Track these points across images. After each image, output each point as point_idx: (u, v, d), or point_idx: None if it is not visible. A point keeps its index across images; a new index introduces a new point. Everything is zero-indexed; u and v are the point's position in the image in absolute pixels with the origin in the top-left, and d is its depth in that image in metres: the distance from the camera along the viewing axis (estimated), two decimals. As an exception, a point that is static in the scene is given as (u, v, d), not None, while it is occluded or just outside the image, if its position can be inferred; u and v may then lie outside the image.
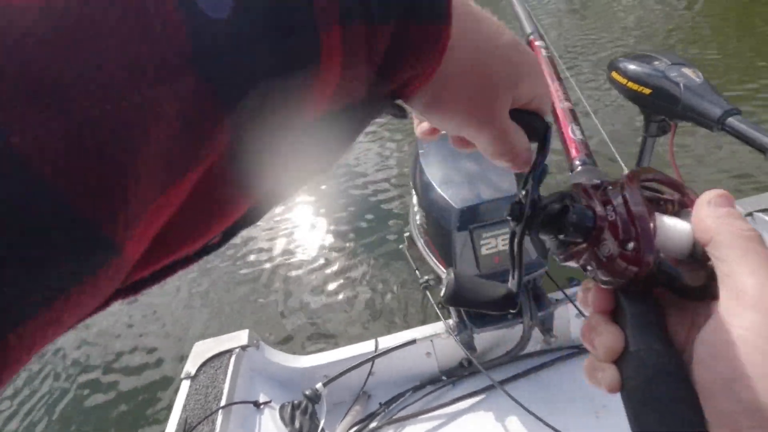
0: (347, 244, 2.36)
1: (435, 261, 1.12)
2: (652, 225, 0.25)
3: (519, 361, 1.15)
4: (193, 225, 0.16)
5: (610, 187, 0.28)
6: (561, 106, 0.49)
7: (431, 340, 1.13)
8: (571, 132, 0.46)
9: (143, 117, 0.12)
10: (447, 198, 1.01)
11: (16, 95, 0.10)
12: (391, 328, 1.23)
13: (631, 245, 0.25)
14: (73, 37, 0.11)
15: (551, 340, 1.10)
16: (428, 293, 1.23)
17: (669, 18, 3.97)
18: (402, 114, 0.23)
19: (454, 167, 1.11)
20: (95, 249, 0.12)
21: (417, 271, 1.40)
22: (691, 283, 0.25)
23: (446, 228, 0.97)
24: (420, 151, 1.19)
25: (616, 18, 4.30)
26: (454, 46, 0.20)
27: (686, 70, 0.76)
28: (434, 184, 1.07)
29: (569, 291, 1.08)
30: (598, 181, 0.29)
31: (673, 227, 0.26)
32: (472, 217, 0.96)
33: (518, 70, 0.24)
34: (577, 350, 1.13)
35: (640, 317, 0.25)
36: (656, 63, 0.79)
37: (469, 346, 1.12)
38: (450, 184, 1.06)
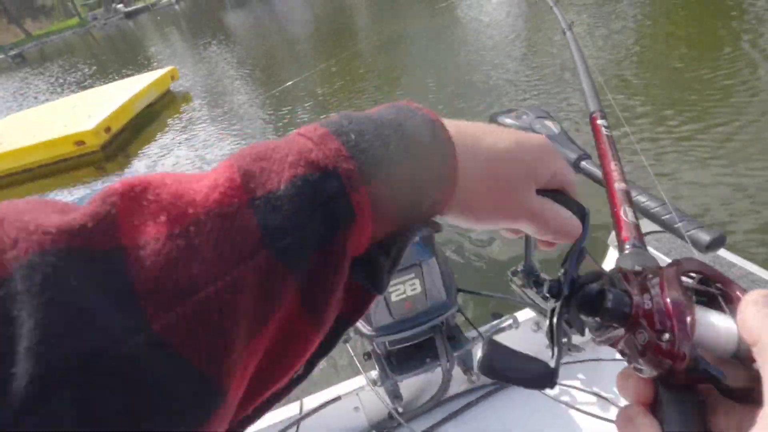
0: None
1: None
2: (689, 318, 0.24)
3: (447, 403, 1.15)
4: (278, 363, 0.20)
5: (650, 275, 0.27)
6: (617, 186, 0.49)
7: (357, 394, 1.11)
8: (623, 213, 0.45)
9: (233, 290, 0.17)
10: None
11: (152, 297, 0.16)
12: (315, 387, 1.20)
13: (666, 336, 0.24)
14: (184, 252, 0.17)
15: (473, 378, 1.12)
16: (348, 346, 1.22)
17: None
18: (437, 228, 0.26)
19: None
20: (210, 397, 0.17)
21: None
22: (733, 383, 0.24)
23: (355, 279, 0.99)
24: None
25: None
26: (464, 166, 0.25)
27: (548, 122, 0.85)
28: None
29: (483, 328, 1.12)
30: (640, 268, 0.29)
31: (715, 323, 0.25)
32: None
33: (527, 161, 0.28)
34: (499, 386, 1.15)
35: (679, 413, 0.24)
36: (524, 117, 0.88)
37: (395, 395, 1.11)
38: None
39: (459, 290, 1.07)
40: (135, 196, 0.18)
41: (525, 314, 1.18)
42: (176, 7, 35.70)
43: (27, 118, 7.95)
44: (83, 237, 0.16)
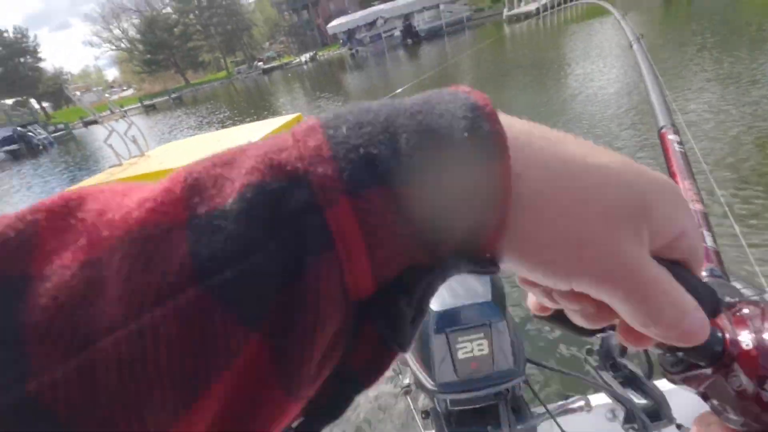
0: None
1: (415, 363, 1.16)
2: None
3: (506, 482, 1.09)
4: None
5: (747, 310, 0.24)
6: (692, 207, 0.46)
7: (413, 450, 1.11)
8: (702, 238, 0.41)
9: (140, 341, 0.13)
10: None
11: (42, 346, 0.12)
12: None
13: None
14: (92, 288, 0.13)
15: (536, 460, 1.06)
16: (409, 399, 1.22)
17: None
18: (490, 266, 0.18)
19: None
20: None
21: (399, 375, 1.35)
22: None
23: (424, 330, 1.03)
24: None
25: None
26: (529, 178, 0.17)
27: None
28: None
29: (550, 405, 1.07)
30: (733, 300, 0.25)
31: None
32: (450, 321, 1.01)
33: (640, 192, 0.18)
34: (563, 476, 1.07)
35: None
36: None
37: (452, 458, 1.09)
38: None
39: (528, 361, 1.05)
40: (67, 213, 0.15)
41: (599, 398, 1.10)
42: (305, 67, 40.67)
43: (183, 145, 10.23)
44: None
